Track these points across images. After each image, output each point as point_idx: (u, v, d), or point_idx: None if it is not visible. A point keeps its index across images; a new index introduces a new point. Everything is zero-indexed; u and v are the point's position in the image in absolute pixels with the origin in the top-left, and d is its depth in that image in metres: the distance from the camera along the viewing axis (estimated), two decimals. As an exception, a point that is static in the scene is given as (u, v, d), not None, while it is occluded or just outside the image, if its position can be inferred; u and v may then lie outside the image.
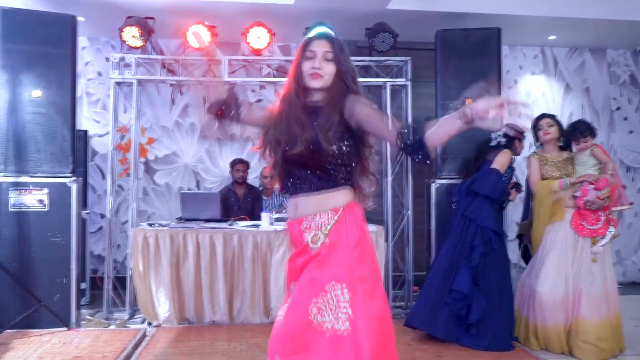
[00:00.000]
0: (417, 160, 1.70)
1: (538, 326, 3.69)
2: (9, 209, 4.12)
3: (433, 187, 4.66)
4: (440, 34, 4.75)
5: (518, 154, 4.23)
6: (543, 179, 3.91)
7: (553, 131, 3.96)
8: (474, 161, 4.20)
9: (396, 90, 5.00)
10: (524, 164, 5.27)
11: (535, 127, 4.05)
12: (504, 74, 5.59)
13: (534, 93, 6.30)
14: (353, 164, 1.88)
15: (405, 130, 1.69)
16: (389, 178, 4.88)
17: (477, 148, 4.26)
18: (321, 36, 1.93)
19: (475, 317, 3.67)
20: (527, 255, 4.49)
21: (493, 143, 4.08)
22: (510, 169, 4.12)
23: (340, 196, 1.86)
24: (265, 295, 4.31)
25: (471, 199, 3.95)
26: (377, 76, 4.93)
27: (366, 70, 4.99)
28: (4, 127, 4.12)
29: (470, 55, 4.72)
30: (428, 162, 1.70)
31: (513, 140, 4.09)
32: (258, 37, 4.70)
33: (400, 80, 4.89)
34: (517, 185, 4.29)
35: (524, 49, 6.27)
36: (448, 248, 3.94)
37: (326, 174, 1.84)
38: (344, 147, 1.83)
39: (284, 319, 1.78)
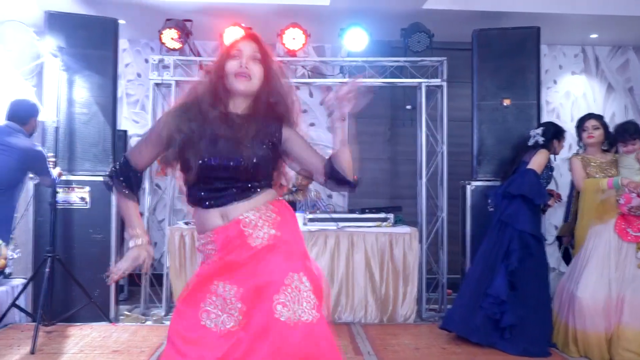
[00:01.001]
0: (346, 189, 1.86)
1: (578, 333, 3.59)
2: (57, 206, 4.26)
3: (468, 189, 4.59)
4: (477, 34, 4.68)
5: (557, 154, 4.11)
6: None
7: (598, 134, 3.84)
8: (510, 163, 4.12)
9: (431, 91, 4.95)
10: (563, 166, 5.15)
11: (580, 127, 3.94)
12: (542, 74, 5.47)
13: (574, 93, 6.14)
14: (274, 172, 1.84)
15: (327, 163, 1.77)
16: (423, 180, 4.84)
17: (514, 148, 4.19)
18: (248, 36, 1.82)
19: (508, 322, 3.60)
20: (567, 257, 4.39)
21: (531, 142, 3.99)
22: (549, 169, 3.98)
23: (270, 194, 1.81)
24: (299, 294, 4.33)
25: (508, 202, 3.86)
26: (412, 77, 4.89)
27: (401, 71, 4.96)
28: (60, 126, 4.25)
29: (508, 55, 4.64)
30: (352, 188, 1.85)
31: (551, 139, 3.98)
32: (293, 38, 4.73)
33: (435, 81, 4.84)
34: (556, 195, 4.19)
35: (564, 48, 6.12)
36: (484, 252, 3.89)
37: (253, 182, 1.76)
38: (269, 160, 1.79)
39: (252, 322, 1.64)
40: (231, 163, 1.70)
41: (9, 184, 3.57)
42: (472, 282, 3.86)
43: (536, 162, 3.87)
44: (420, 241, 4.63)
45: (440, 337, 3.96)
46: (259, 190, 1.76)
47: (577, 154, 3.99)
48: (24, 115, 3.72)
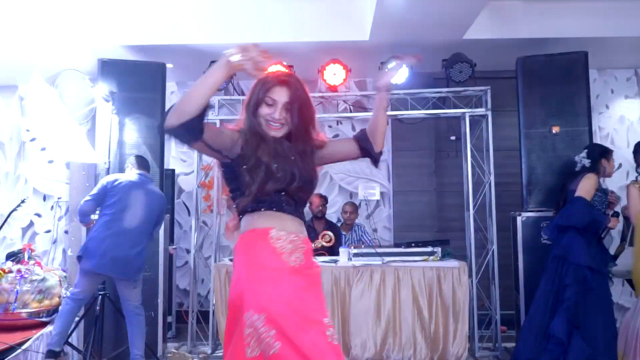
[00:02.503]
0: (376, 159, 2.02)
1: (646, 374, 3.32)
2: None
3: (519, 220, 4.42)
4: (521, 61, 4.59)
5: (608, 176, 3.90)
6: None
7: None
8: (560, 192, 3.95)
9: (475, 121, 4.86)
10: (621, 193, 4.89)
11: (638, 152, 3.75)
12: (593, 99, 5.29)
13: (629, 117, 5.88)
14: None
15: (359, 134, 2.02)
16: (471, 212, 4.70)
17: (561, 176, 4.03)
18: (282, 83, 1.81)
19: None
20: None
21: (578, 168, 3.83)
22: (602, 191, 3.76)
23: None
24: (345, 332, 4.23)
25: (561, 235, 3.68)
26: (455, 107, 4.83)
27: (444, 102, 4.91)
28: (110, 167, 4.41)
29: (555, 81, 4.52)
30: (375, 161, 2.01)
31: (598, 160, 3.79)
32: (334, 74, 4.79)
33: (479, 111, 4.75)
34: (615, 214, 3.95)
35: (615, 72, 5.90)
36: (544, 288, 3.71)
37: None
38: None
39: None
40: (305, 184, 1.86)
41: (154, 227, 3.98)
42: (534, 322, 3.69)
43: (584, 188, 3.68)
44: (470, 275, 4.46)
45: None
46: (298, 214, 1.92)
47: (635, 181, 3.78)
48: (149, 165, 4.17)
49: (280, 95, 1.80)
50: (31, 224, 6.00)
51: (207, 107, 1.63)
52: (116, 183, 3.85)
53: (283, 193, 1.82)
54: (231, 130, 1.85)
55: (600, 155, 3.81)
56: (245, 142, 1.80)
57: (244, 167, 1.78)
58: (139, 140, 4.53)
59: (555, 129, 4.46)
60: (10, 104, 6.12)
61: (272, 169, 1.77)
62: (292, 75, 1.91)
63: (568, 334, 3.42)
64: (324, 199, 5.44)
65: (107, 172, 4.32)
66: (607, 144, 5.53)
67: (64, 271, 4.51)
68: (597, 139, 5.33)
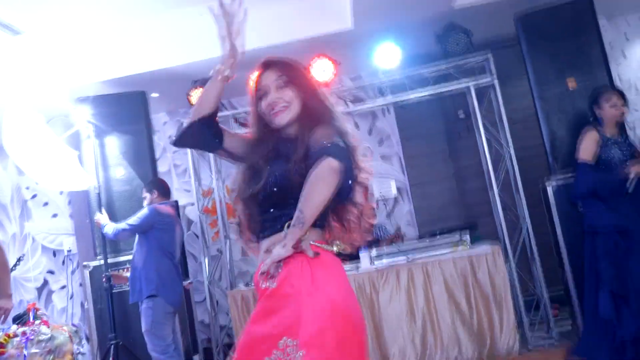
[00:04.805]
0: None
1: None
2: (113, 290, 4.12)
3: (550, 189, 4.00)
4: (521, 19, 4.23)
5: (611, 121, 3.33)
6: None
7: None
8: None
9: (482, 93, 4.48)
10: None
11: None
12: (608, 50, 4.86)
13: (651, 62, 5.43)
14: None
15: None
16: (495, 190, 4.30)
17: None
18: (264, 67, 1.68)
19: (625, 336, 2.96)
20: None
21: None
22: (608, 146, 3.30)
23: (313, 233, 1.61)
24: (380, 340, 3.85)
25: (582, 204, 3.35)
26: (458, 81, 4.45)
27: (445, 79, 4.54)
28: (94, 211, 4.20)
29: (562, 35, 4.14)
30: None
31: (591, 109, 3.38)
32: (323, 70, 4.49)
33: (485, 80, 4.37)
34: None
35: (627, 16, 5.45)
36: (588, 265, 3.32)
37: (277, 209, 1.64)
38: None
39: None
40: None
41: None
42: (589, 303, 3.30)
43: (581, 148, 3.33)
44: (507, 259, 4.06)
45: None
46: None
47: None
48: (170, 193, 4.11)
49: (268, 78, 1.66)
50: (45, 282, 5.81)
51: (218, 108, 1.66)
52: (161, 214, 3.78)
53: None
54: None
55: (591, 103, 3.43)
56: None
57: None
58: (132, 174, 4.29)
59: (571, 84, 4.05)
60: (7, 164, 5.99)
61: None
62: (271, 56, 1.72)
63: (617, 308, 3.03)
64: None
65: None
66: (632, 95, 5.10)
67: (75, 326, 4.27)
68: (619, 91, 4.89)
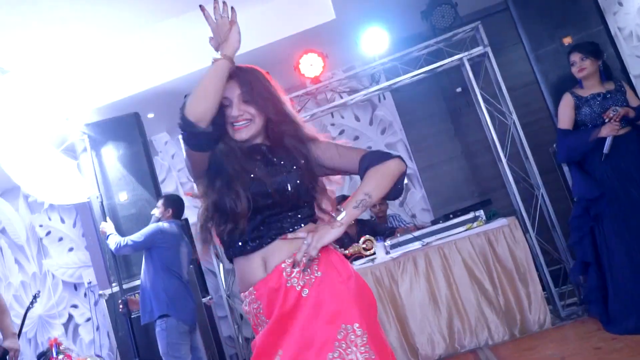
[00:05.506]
0: None
1: None
2: (132, 315, 4.09)
3: (561, 152, 3.85)
4: (505, -21, 4.09)
5: (581, 78, 3.31)
6: None
7: None
8: None
9: (477, 64, 4.35)
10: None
11: None
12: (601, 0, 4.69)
13: (650, 9, 5.21)
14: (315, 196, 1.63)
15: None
16: (504, 161, 4.15)
17: None
18: (229, 76, 1.55)
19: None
20: None
21: None
22: (588, 105, 3.23)
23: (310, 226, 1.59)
24: (406, 333, 3.73)
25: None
26: (450, 56, 4.32)
27: (437, 56, 4.42)
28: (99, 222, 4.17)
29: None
30: None
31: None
32: (311, 65, 4.41)
33: (477, 50, 4.24)
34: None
35: (617, -36, 5.26)
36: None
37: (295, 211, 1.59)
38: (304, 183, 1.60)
39: None
40: (274, 187, 1.54)
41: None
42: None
43: (558, 117, 3.32)
44: (525, 230, 3.91)
45: (590, 336, 3.22)
46: (302, 224, 1.57)
47: None
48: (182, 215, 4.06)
49: (231, 89, 1.57)
50: (70, 317, 5.82)
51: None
52: (164, 233, 3.74)
53: None
54: None
55: (571, 63, 3.35)
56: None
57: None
58: (135, 196, 4.25)
59: (567, 41, 3.90)
60: (18, 205, 6.03)
61: None
62: (237, 66, 1.61)
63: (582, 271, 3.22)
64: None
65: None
66: (634, 44, 4.89)
67: (99, 356, 4.24)
68: (620, 42, 4.69)
